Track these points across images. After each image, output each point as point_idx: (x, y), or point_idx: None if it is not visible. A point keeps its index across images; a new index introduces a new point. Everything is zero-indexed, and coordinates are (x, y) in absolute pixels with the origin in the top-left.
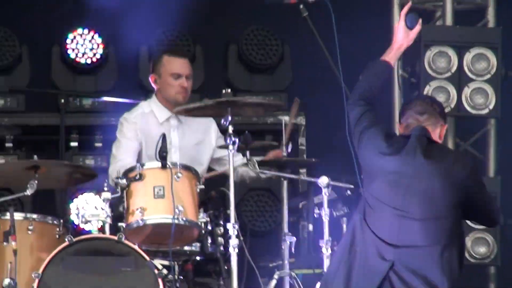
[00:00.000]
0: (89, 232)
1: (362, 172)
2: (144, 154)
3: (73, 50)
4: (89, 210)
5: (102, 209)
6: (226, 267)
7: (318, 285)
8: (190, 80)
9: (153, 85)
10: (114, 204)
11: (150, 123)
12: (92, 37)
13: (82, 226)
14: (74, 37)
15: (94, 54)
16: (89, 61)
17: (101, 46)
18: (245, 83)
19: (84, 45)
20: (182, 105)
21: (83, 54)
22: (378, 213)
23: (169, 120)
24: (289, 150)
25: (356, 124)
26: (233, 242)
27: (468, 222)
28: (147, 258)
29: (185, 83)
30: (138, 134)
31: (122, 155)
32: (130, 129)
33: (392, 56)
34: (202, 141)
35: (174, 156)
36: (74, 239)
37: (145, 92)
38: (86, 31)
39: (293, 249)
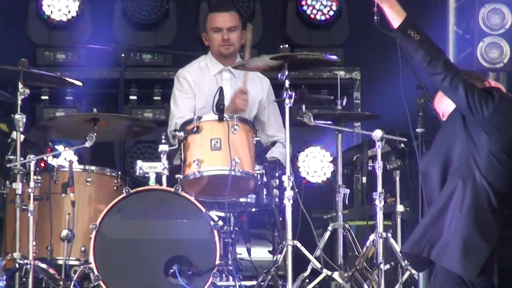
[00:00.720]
0: (147, 183)
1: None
2: (195, 105)
3: (132, 6)
4: (147, 162)
5: (160, 160)
6: (280, 219)
7: (371, 236)
8: (234, 32)
9: (205, 42)
10: (171, 156)
11: (204, 76)
12: None
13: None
14: None
15: (155, 10)
16: (150, 16)
17: (161, 2)
18: (302, 38)
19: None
20: (235, 61)
21: (142, 9)
22: None
23: (221, 73)
24: (344, 103)
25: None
26: (288, 193)
27: None
28: (203, 209)
29: (226, 35)
30: (192, 88)
31: (180, 113)
32: (184, 85)
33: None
34: (253, 96)
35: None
36: (131, 191)
37: (204, 47)
38: None
39: (346, 201)
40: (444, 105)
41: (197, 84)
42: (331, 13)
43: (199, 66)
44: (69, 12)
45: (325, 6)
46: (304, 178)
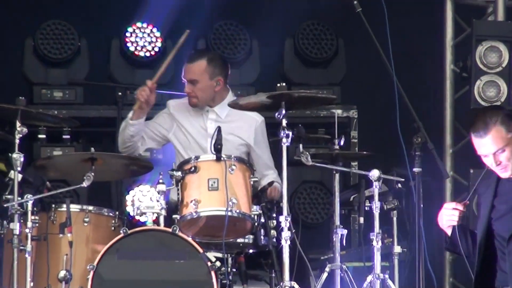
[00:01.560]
0: (144, 224)
1: None
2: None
3: (132, 43)
4: (144, 202)
5: (157, 201)
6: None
7: (368, 278)
8: (194, 84)
9: None
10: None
11: (189, 111)
12: (151, 31)
13: (137, 218)
14: (134, 31)
15: (153, 48)
16: (148, 54)
17: (159, 40)
18: (300, 76)
19: (143, 39)
20: (206, 109)
21: (142, 47)
22: None
23: (207, 112)
24: (341, 143)
25: None
26: (285, 234)
27: None
28: (201, 250)
29: (187, 88)
30: (168, 122)
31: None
32: (163, 115)
33: None
34: (242, 139)
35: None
36: (129, 231)
37: None
38: (144, 25)
39: (344, 242)
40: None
41: (180, 117)
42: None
43: (186, 101)
44: (65, 48)
45: (320, 44)
46: None
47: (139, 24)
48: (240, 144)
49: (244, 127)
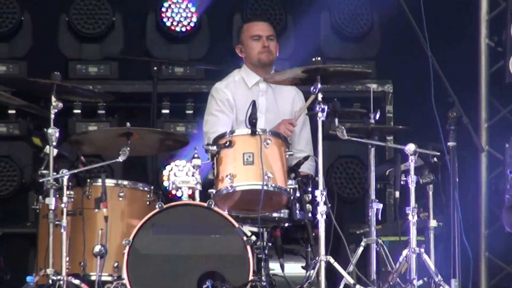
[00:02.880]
0: (180, 198)
1: None
2: (234, 120)
3: (168, 18)
4: (180, 176)
5: (193, 175)
6: (314, 234)
7: (404, 252)
8: (273, 41)
9: (240, 55)
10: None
11: (240, 89)
12: (186, 6)
13: (173, 192)
14: (169, 6)
15: (188, 23)
16: (184, 29)
17: (194, 15)
18: (336, 50)
19: (178, 14)
20: (271, 72)
21: (178, 22)
22: None
23: (258, 84)
24: (377, 117)
25: None
26: (321, 208)
27: None
28: (236, 224)
29: (266, 42)
30: (228, 104)
31: (212, 129)
32: (219, 102)
33: None
34: (287, 109)
35: (259, 121)
36: (164, 206)
37: (237, 60)
38: (180, 0)
39: (379, 216)
40: None
41: (234, 98)
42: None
43: (233, 80)
44: (99, 23)
45: (356, 18)
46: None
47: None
48: (284, 116)
49: (289, 99)
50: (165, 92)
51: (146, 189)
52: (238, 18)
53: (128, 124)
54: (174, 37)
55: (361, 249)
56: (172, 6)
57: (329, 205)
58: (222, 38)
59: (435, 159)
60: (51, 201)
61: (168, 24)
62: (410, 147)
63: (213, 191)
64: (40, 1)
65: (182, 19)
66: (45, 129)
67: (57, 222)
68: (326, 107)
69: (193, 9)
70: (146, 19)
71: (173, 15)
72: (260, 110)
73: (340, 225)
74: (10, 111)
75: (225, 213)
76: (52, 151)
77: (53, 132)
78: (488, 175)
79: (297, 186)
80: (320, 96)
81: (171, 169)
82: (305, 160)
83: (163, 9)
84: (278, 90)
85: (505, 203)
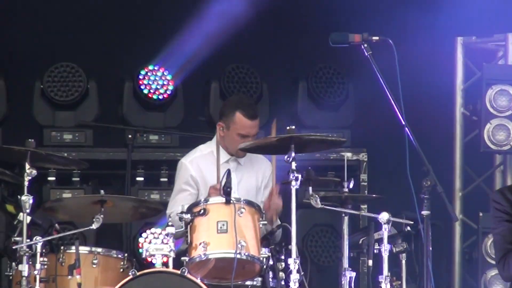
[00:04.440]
0: (154, 265)
1: None
2: (202, 194)
3: (145, 85)
4: (154, 244)
5: (166, 243)
6: None
7: None
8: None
9: (218, 131)
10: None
11: (208, 163)
12: (163, 73)
13: (149, 259)
14: (146, 73)
15: (165, 90)
16: (160, 97)
17: (171, 83)
18: (312, 119)
19: (155, 81)
20: (245, 143)
21: (155, 90)
22: None
23: (228, 162)
24: (351, 185)
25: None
26: (294, 276)
27: None
28: None
29: (244, 142)
30: (191, 180)
31: (174, 207)
32: (184, 177)
33: None
34: (259, 185)
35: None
36: (138, 273)
37: (213, 127)
38: (156, 67)
39: (353, 284)
40: None
41: (201, 174)
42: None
43: (201, 154)
44: (75, 92)
45: (332, 87)
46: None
47: (151, 67)
48: (254, 187)
49: (259, 171)
50: (140, 160)
51: (120, 256)
52: (216, 86)
53: (102, 191)
54: (150, 105)
55: None
56: (149, 73)
57: (302, 273)
58: (197, 106)
59: (408, 227)
60: (24, 268)
61: (146, 91)
62: (384, 216)
63: (187, 258)
64: (14, 68)
65: (158, 86)
66: (19, 196)
67: None
68: (300, 176)
69: (169, 77)
70: (123, 86)
71: (150, 82)
72: (233, 183)
73: None
74: None
75: (199, 281)
76: (25, 218)
77: (27, 199)
78: (462, 244)
79: (270, 254)
80: (294, 164)
81: (147, 237)
82: (278, 228)
83: (140, 77)
84: (246, 166)
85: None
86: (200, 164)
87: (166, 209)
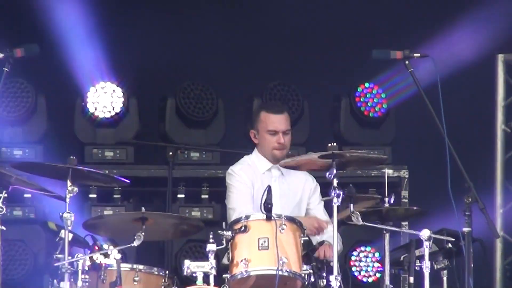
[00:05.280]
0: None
1: None
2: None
3: (188, 104)
4: (195, 261)
5: (207, 260)
6: None
7: None
8: (288, 134)
9: (253, 139)
10: (219, 255)
11: (254, 173)
12: (202, 90)
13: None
14: (185, 89)
15: (207, 110)
16: (201, 114)
17: (214, 101)
18: (355, 136)
19: (195, 98)
20: (286, 158)
21: (195, 108)
22: None
23: (270, 170)
24: (391, 200)
25: None
26: None
27: None
28: None
29: (282, 139)
30: (246, 182)
31: (238, 205)
32: (238, 179)
33: None
34: (299, 193)
35: (274, 206)
36: None
37: (251, 144)
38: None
39: None
40: None
41: (252, 182)
42: (383, 110)
43: (247, 164)
44: (113, 108)
45: (376, 104)
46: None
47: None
48: (297, 195)
49: (301, 181)
50: (181, 177)
51: (161, 273)
52: (257, 103)
53: (143, 208)
54: (192, 122)
55: None
56: (189, 90)
57: None
58: (239, 123)
59: (449, 244)
60: (66, 285)
61: (189, 110)
62: (425, 233)
63: (228, 275)
64: (57, 87)
65: (201, 105)
66: (61, 214)
67: None
68: (341, 193)
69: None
70: (165, 103)
71: (191, 100)
72: (274, 195)
73: None
74: (25, 195)
75: None
76: (67, 235)
77: (69, 217)
78: (503, 261)
79: (311, 271)
80: (335, 181)
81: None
82: (319, 245)
83: (182, 94)
84: (288, 175)
85: None
86: (248, 173)
87: (231, 216)
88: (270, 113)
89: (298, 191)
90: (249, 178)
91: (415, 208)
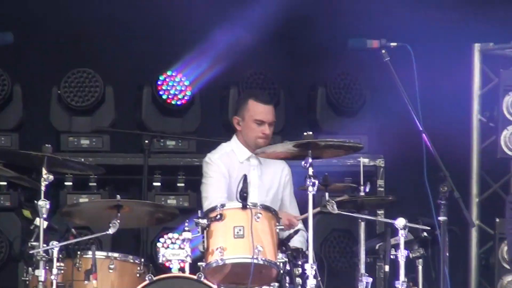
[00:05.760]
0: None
1: None
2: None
3: (164, 91)
4: (170, 249)
5: (183, 248)
6: None
7: None
8: (272, 126)
9: (235, 126)
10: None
11: (232, 162)
12: (180, 79)
13: (167, 264)
14: (165, 79)
15: (183, 96)
16: (179, 102)
17: (188, 89)
18: (330, 125)
19: (173, 87)
20: (262, 148)
21: (174, 95)
22: None
23: (249, 160)
24: (367, 189)
25: None
26: (311, 282)
27: None
28: None
29: (267, 130)
30: (223, 171)
31: (212, 194)
32: (215, 169)
33: None
34: (276, 182)
35: (252, 195)
36: (154, 278)
37: (230, 133)
38: (174, 73)
39: None
40: None
41: (228, 170)
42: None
43: (225, 152)
44: (91, 97)
45: (350, 93)
46: None
47: (169, 73)
48: (274, 183)
49: (278, 169)
50: (157, 165)
51: (136, 261)
52: (234, 92)
53: (118, 196)
54: (169, 110)
55: None
56: (167, 79)
57: (319, 278)
58: (215, 112)
59: (425, 233)
60: (41, 273)
61: (164, 97)
62: (400, 222)
63: (203, 263)
64: (31, 75)
65: (177, 92)
66: (36, 201)
67: None
68: (316, 182)
69: (186, 83)
70: (140, 92)
71: (168, 88)
72: (252, 184)
73: None
74: (1, 183)
75: (215, 286)
76: (42, 223)
77: (44, 204)
78: (478, 249)
79: (287, 259)
80: (311, 170)
81: (164, 242)
82: (295, 234)
83: (159, 82)
84: (266, 164)
85: None
86: (225, 162)
87: (203, 204)
88: (259, 102)
89: (276, 180)
90: (226, 167)
91: (390, 197)
